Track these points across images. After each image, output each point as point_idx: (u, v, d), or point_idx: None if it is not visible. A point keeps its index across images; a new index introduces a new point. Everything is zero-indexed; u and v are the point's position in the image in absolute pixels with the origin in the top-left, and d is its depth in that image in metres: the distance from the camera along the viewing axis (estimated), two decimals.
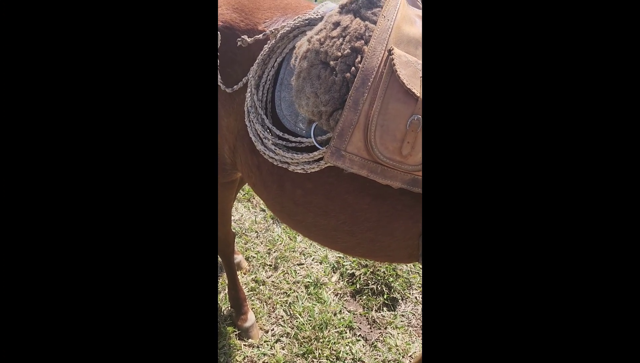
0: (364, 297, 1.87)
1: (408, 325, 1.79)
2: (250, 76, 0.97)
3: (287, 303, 1.80)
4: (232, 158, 1.12)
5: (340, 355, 1.62)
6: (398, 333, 1.73)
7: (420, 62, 0.84)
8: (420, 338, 1.73)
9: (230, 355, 1.59)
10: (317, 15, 0.95)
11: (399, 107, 0.81)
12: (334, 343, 1.66)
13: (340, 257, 2.04)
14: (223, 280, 1.84)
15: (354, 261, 2.01)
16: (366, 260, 1.98)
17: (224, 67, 1.02)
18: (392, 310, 1.84)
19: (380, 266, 1.98)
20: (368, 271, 1.95)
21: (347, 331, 1.72)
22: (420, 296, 1.92)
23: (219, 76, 1.02)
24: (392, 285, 1.92)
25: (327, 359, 1.61)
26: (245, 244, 2.08)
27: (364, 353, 1.65)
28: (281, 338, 1.67)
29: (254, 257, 2.00)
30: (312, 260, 2.03)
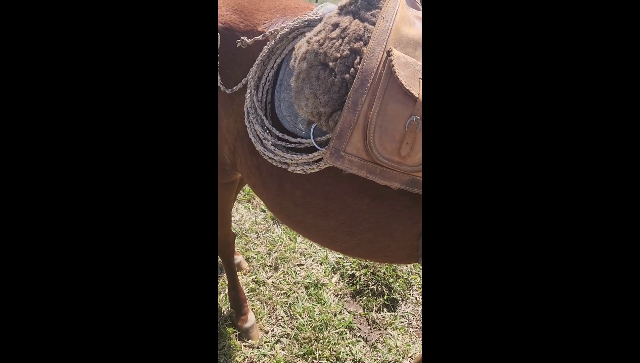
0: (364, 298, 1.87)
1: (408, 326, 1.79)
2: (250, 77, 0.97)
3: (287, 303, 1.80)
4: (232, 159, 1.13)
5: (341, 355, 1.62)
6: (398, 334, 1.73)
7: (419, 63, 0.84)
8: (421, 339, 1.73)
9: (230, 356, 1.59)
10: (317, 16, 0.95)
11: (397, 108, 0.82)
12: (334, 344, 1.66)
13: (340, 258, 2.04)
14: (223, 281, 1.84)
15: (354, 262, 2.01)
16: (366, 261, 1.98)
17: (224, 68, 1.02)
18: (392, 311, 1.84)
19: (381, 267, 1.98)
20: (368, 272, 1.95)
21: (347, 332, 1.72)
22: (421, 297, 1.92)
23: (218, 77, 1.02)
24: (392, 285, 1.92)
25: (327, 360, 1.61)
26: (246, 245, 2.08)
27: (364, 354, 1.65)
28: (281, 339, 1.67)
29: (254, 258, 2.01)
30: (313, 261, 2.03)
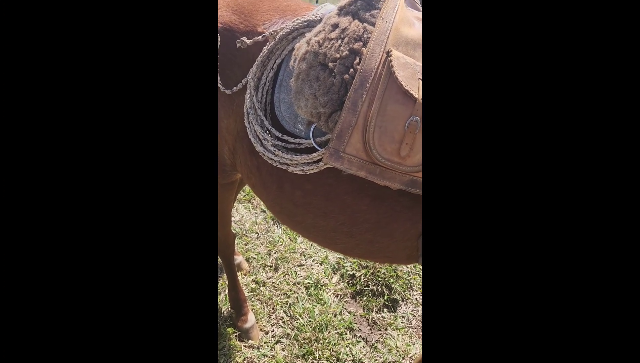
0: (364, 298, 1.87)
1: (408, 327, 1.79)
2: (250, 77, 0.97)
3: (287, 304, 1.80)
4: (232, 159, 1.13)
5: (341, 356, 1.62)
6: (398, 335, 1.73)
7: (419, 63, 0.84)
8: (421, 339, 1.73)
9: (230, 356, 1.59)
10: (316, 17, 0.95)
11: (397, 108, 0.82)
12: (334, 344, 1.66)
13: (340, 258, 2.04)
14: (223, 281, 1.85)
15: (355, 262, 2.01)
16: (366, 261, 1.98)
17: (224, 68, 1.02)
18: (393, 312, 1.84)
19: (381, 268, 1.98)
20: (368, 272, 1.95)
21: (348, 332, 1.72)
22: (421, 297, 1.92)
23: (218, 78, 1.02)
24: (393, 286, 1.92)
25: (327, 360, 1.61)
26: (246, 245, 2.08)
27: (364, 355, 1.65)
28: (281, 340, 1.67)
29: (254, 258, 2.01)
30: (313, 261, 2.03)
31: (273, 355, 1.61)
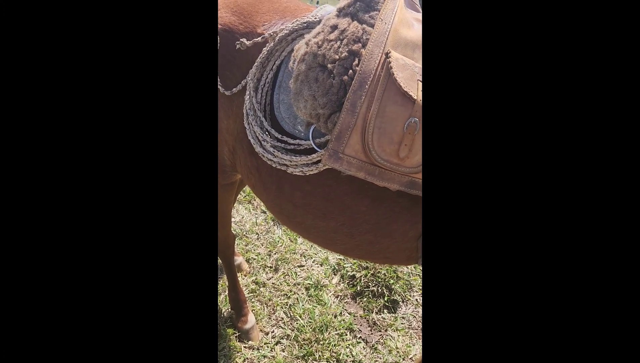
0: (365, 299, 1.87)
1: (409, 328, 1.79)
2: (249, 78, 0.97)
3: (287, 305, 1.80)
4: (232, 160, 1.13)
5: (341, 357, 1.62)
6: (399, 336, 1.73)
7: (418, 65, 0.84)
8: (421, 340, 1.73)
9: (230, 357, 1.59)
10: (315, 18, 0.95)
11: (396, 109, 0.82)
12: (334, 345, 1.66)
13: (340, 259, 2.04)
14: (223, 282, 1.85)
15: (355, 263, 2.01)
16: (366, 262, 1.98)
17: (223, 70, 1.03)
18: (393, 312, 1.84)
19: (381, 269, 1.98)
20: (369, 273, 1.95)
21: (348, 333, 1.72)
22: (421, 298, 1.92)
23: (218, 79, 1.02)
24: (393, 287, 1.92)
25: (327, 361, 1.61)
26: (246, 246, 2.08)
27: (365, 356, 1.65)
28: (281, 340, 1.67)
29: (254, 259, 2.01)
30: (313, 262, 2.03)
31: (273, 356, 1.61)
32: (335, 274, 1.98)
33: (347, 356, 1.63)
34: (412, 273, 2.01)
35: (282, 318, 1.75)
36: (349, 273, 1.97)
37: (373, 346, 1.69)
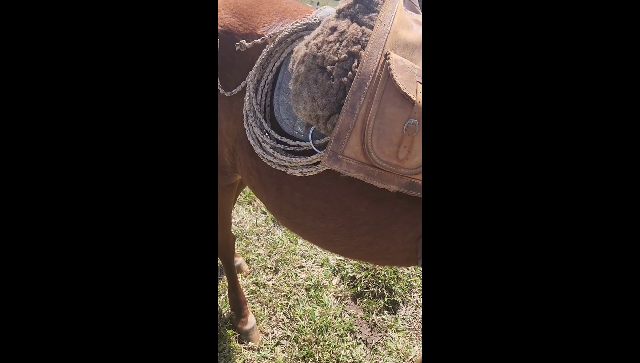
0: (365, 300, 1.87)
1: (409, 329, 1.78)
2: (249, 80, 0.98)
3: (287, 306, 1.80)
4: (232, 161, 1.13)
5: (341, 358, 1.62)
6: (399, 337, 1.73)
7: (417, 66, 0.84)
8: (421, 341, 1.73)
9: (230, 358, 1.59)
10: (315, 20, 0.96)
11: (395, 111, 0.82)
12: (334, 346, 1.66)
13: (341, 260, 2.04)
14: (223, 283, 1.85)
15: (355, 264, 2.02)
16: (367, 263, 1.98)
17: (223, 71, 1.03)
18: (393, 313, 1.84)
19: (381, 270, 1.98)
20: (369, 274, 1.95)
21: (348, 334, 1.72)
22: (421, 299, 1.92)
23: (218, 80, 1.03)
24: (393, 288, 1.92)
25: (327, 362, 1.61)
26: (246, 247, 2.08)
27: (365, 357, 1.65)
28: (281, 341, 1.67)
29: (254, 260, 2.01)
30: (313, 263, 2.03)
31: (273, 357, 1.61)
32: (335, 275, 1.98)
33: (347, 357, 1.63)
34: (413, 274, 2.01)
35: (282, 319, 1.75)
36: (349, 274, 1.97)
37: (373, 347, 1.69)
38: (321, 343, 1.65)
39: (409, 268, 2.01)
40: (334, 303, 1.84)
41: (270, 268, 1.98)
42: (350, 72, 0.84)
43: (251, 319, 1.67)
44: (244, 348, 1.63)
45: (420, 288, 1.95)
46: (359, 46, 0.85)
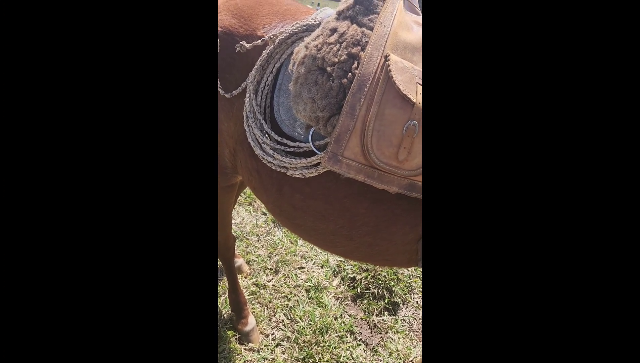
0: (365, 301, 1.87)
1: (409, 330, 1.78)
2: (249, 81, 0.98)
3: (287, 307, 1.80)
4: (233, 162, 1.13)
5: (341, 359, 1.62)
6: (399, 338, 1.73)
7: (417, 68, 0.84)
8: (421, 343, 1.73)
9: (230, 359, 1.59)
10: (315, 21, 0.96)
11: (395, 112, 0.82)
12: (335, 347, 1.65)
13: (341, 261, 2.04)
14: (223, 284, 1.85)
15: (355, 265, 2.01)
16: (367, 264, 1.98)
17: (223, 72, 1.03)
18: (393, 315, 1.83)
19: (381, 271, 1.98)
20: (369, 275, 1.95)
21: (348, 335, 1.72)
22: (422, 300, 1.91)
23: (218, 82, 1.03)
24: (393, 289, 1.91)
25: None
26: (247, 247, 2.08)
27: (365, 358, 1.65)
28: (281, 343, 1.67)
29: (254, 261, 2.01)
30: (313, 264, 2.03)
31: (273, 359, 1.61)
32: (335, 276, 1.98)
33: (348, 358, 1.63)
34: (413, 275, 2.01)
35: (282, 320, 1.75)
36: (349, 275, 1.97)
37: (373, 348, 1.69)
38: (321, 345, 1.65)
39: (410, 269, 2.01)
40: (334, 304, 1.83)
41: (271, 269, 1.98)
42: (350, 74, 0.84)
43: (251, 320, 1.67)
44: (244, 349, 1.63)
45: (421, 289, 1.95)
46: (359, 48, 0.85)
